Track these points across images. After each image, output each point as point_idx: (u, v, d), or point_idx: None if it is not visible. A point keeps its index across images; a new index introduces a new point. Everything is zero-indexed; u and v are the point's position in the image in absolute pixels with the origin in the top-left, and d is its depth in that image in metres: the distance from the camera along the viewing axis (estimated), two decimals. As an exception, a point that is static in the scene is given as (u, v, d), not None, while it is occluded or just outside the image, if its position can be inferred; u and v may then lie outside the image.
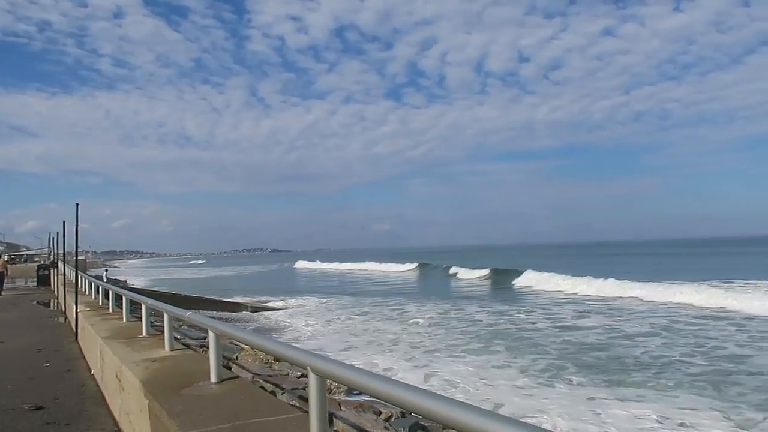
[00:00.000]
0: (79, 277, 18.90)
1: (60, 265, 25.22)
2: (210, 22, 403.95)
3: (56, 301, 21.98)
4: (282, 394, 6.13)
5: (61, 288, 20.13)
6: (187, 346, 7.55)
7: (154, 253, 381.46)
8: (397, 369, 12.92)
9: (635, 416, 9.31)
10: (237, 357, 8.97)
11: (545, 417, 9.14)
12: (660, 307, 24.50)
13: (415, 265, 68.85)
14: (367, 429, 6.21)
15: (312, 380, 3.01)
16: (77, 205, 12.03)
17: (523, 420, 2.07)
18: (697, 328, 18.56)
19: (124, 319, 9.99)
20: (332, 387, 7.85)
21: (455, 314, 23.09)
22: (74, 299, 12.50)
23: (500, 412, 9.05)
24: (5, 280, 33.58)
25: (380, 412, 7.33)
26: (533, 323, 20.41)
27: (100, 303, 13.70)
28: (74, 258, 17.40)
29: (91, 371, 8.76)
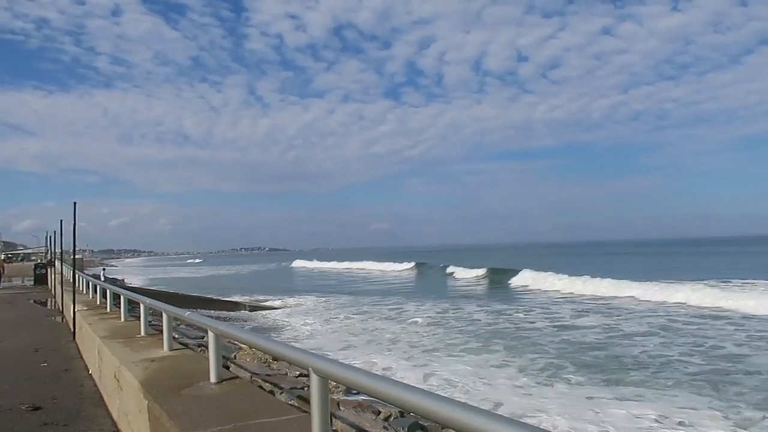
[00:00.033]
0: (77, 276, 18.84)
1: (57, 263, 25.15)
2: (208, 20, 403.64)
3: (53, 300, 21.90)
4: (281, 393, 6.10)
5: (58, 287, 20.07)
6: (185, 345, 7.51)
7: (151, 252, 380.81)
8: (396, 368, 12.91)
9: (634, 415, 9.32)
10: (235, 356, 8.94)
11: (545, 416, 9.14)
12: (657, 306, 24.55)
13: (412, 264, 68.93)
14: (367, 428, 6.19)
15: (314, 381, 2.98)
16: (75, 203, 11.98)
17: (522, 420, 2.06)
18: (695, 327, 18.59)
19: (122, 319, 9.94)
20: (331, 386, 7.82)
21: (453, 313, 23.09)
22: (72, 298, 12.44)
23: (499, 411, 9.06)
24: (2, 279, 33.50)
25: (379, 412, 7.31)
26: (531, 322, 20.42)
27: (98, 302, 13.64)
28: (71, 257, 17.33)
29: (89, 371, 8.72)
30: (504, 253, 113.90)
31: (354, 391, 6.83)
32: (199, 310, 17.58)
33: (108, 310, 11.75)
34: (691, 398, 10.34)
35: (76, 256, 14.43)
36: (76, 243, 12.85)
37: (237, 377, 5.36)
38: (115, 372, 6.15)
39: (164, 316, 6.60)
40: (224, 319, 17.45)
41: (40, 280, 32.42)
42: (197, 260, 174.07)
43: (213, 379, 4.84)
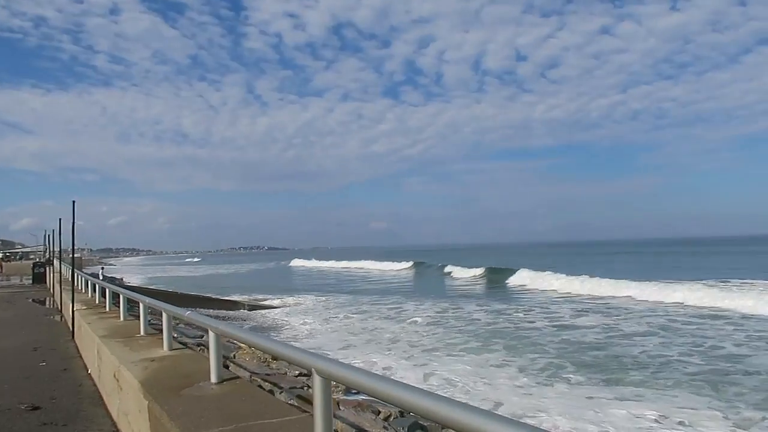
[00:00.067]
0: (76, 274, 18.79)
1: (56, 262, 25.10)
2: (207, 18, 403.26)
3: (52, 299, 21.86)
4: (280, 393, 6.07)
5: (57, 286, 20.03)
6: (185, 345, 7.48)
7: (150, 250, 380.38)
8: (396, 368, 12.90)
9: (634, 415, 9.31)
10: (234, 356, 8.91)
11: (545, 416, 9.13)
12: (655, 306, 24.55)
13: (410, 263, 69.01)
14: (366, 428, 6.16)
15: (317, 382, 2.96)
16: (74, 202, 11.94)
17: (522, 420, 2.06)
18: (694, 327, 18.61)
19: (122, 318, 9.91)
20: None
21: (453, 313, 23.08)
22: (70, 297, 12.39)
23: (500, 411, 9.05)
24: (0, 278, 33.42)
25: (379, 412, 7.29)
26: (531, 322, 20.42)
27: (97, 301, 13.61)
28: (70, 256, 17.29)
29: (88, 371, 8.68)
30: (503, 253, 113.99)
31: (354, 391, 6.81)
32: (198, 309, 17.52)
33: (107, 309, 11.72)
34: (691, 398, 10.34)
35: (75, 255, 14.38)
36: (75, 242, 12.81)
37: (237, 377, 5.33)
38: (115, 372, 6.12)
39: (164, 315, 6.57)
40: (223, 319, 17.43)
41: (39, 278, 32.37)
42: (196, 259, 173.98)
43: (214, 379, 4.82)
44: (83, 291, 16.63)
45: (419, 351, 15.27)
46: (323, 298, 31.12)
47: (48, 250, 35.24)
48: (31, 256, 62.15)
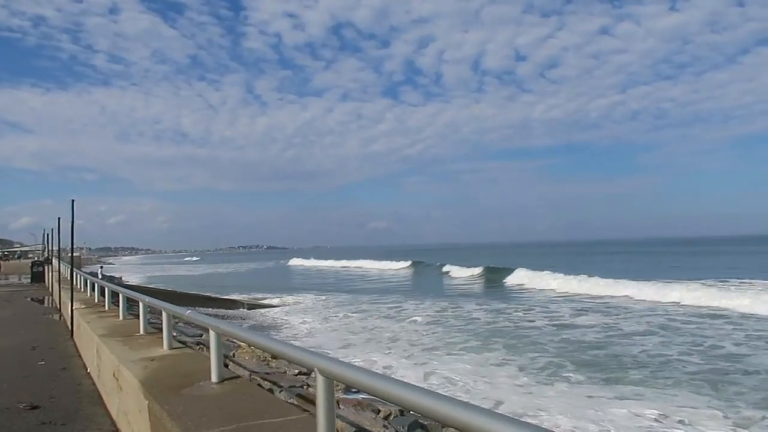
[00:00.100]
0: (75, 273, 18.73)
1: (55, 261, 25.04)
2: (206, 18, 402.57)
3: (51, 298, 21.80)
4: (280, 392, 6.05)
5: (55, 285, 19.98)
6: (184, 343, 7.45)
7: (149, 249, 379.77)
8: (396, 366, 12.88)
9: (635, 414, 9.30)
10: (234, 354, 8.88)
11: (546, 415, 9.12)
12: (654, 305, 24.58)
13: (409, 263, 69.03)
14: (366, 427, 6.14)
15: (319, 382, 2.93)
16: (73, 201, 11.90)
17: (523, 419, 2.06)
18: (693, 326, 18.62)
19: (121, 317, 9.88)
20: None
21: (452, 312, 23.08)
22: (69, 296, 12.36)
23: (500, 410, 9.03)
24: (-1, 277, 33.35)
25: (379, 410, 7.27)
26: (531, 321, 20.42)
27: (96, 300, 13.57)
28: (69, 255, 17.24)
29: (87, 370, 8.65)
30: (502, 252, 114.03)
31: (353, 390, 6.79)
32: (197, 308, 17.49)
33: (106, 308, 11.69)
34: (691, 397, 10.34)
35: (74, 254, 14.35)
36: (74, 241, 12.77)
37: (238, 376, 5.30)
38: (114, 371, 6.09)
39: (164, 314, 6.54)
40: (222, 318, 17.41)
41: (38, 277, 32.32)
42: (194, 258, 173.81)
43: (214, 378, 4.79)
44: (82, 290, 16.59)
45: (419, 350, 15.26)
46: (323, 297, 31.09)
47: (47, 249, 35.17)
48: (30, 255, 62.07)
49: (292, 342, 11.08)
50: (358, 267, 73.48)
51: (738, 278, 34.22)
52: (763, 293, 24.19)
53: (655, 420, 9.04)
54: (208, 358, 5.03)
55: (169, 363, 5.84)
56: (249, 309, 26.72)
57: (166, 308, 6.50)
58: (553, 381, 11.66)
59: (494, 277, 44.83)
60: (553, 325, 19.32)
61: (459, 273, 51.89)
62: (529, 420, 7.51)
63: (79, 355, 9.91)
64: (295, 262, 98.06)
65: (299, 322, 21.91)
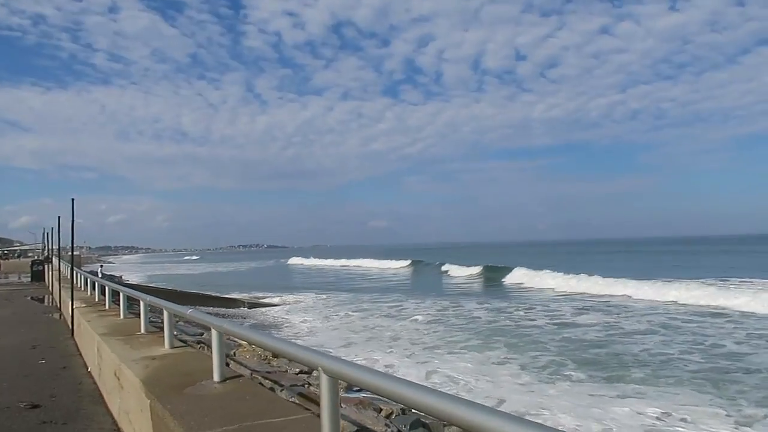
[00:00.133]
0: (75, 272, 18.69)
1: (55, 260, 25.01)
2: (206, 17, 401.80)
3: (51, 296, 21.78)
4: (281, 391, 6.02)
5: (56, 283, 19.95)
6: (185, 342, 7.43)
7: (149, 248, 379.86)
8: (398, 365, 12.86)
9: (637, 412, 9.29)
10: (235, 353, 8.86)
11: (548, 413, 9.10)
12: (654, 304, 24.57)
13: (408, 262, 69.09)
14: (369, 426, 6.12)
15: (324, 381, 2.91)
16: (73, 200, 11.87)
17: (525, 417, 2.05)
18: (694, 325, 18.60)
19: (122, 316, 9.85)
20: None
21: (453, 311, 23.07)
22: (70, 295, 12.33)
23: (502, 408, 9.01)
24: (-1, 276, 33.34)
25: (380, 409, 7.25)
26: (532, 320, 20.41)
27: (96, 299, 13.55)
28: (69, 253, 17.22)
29: (87, 369, 8.62)
30: (501, 251, 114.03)
31: (355, 388, 6.76)
32: (197, 307, 17.47)
33: (107, 307, 11.66)
34: (693, 396, 10.33)
35: (74, 253, 14.32)
36: (74, 239, 12.74)
37: (240, 375, 5.27)
38: (116, 370, 6.06)
39: (165, 313, 6.51)
40: (223, 317, 17.38)
41: (37, 276, 32.31)
42: (194, 257, 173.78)
43: (216, 377, 4.76)
44: (82, 289, 16.56)
45: (421, 349, 15.24)
46: (323, 296, 31.08)
47: (47, 248, 35.15)
48: (30, 254, 62.06)
49: (294, 341, 11.05)
50: (357, 266, 73.49)
51: (738, 277, 34.22)
52: (763, 292, 24.18)
53: (658, 418, 9.02)
54: (210, 357, 5.00)
55: (170, 362, 5.81)
56: (249, 308, 26.70)
57: (167, 307, 6.47)
58: (554, 379, 11.65)
59: (493, 276, 44.90)
60: (554, 324, 19.31)
61: (458, 272, 51.96)
62: (531, 419, 7.50)
63: (80, 354, 9.89)
64: (294, 260, 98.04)
65: (300, 320, 21.89)
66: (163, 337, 6.69)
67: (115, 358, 6.17)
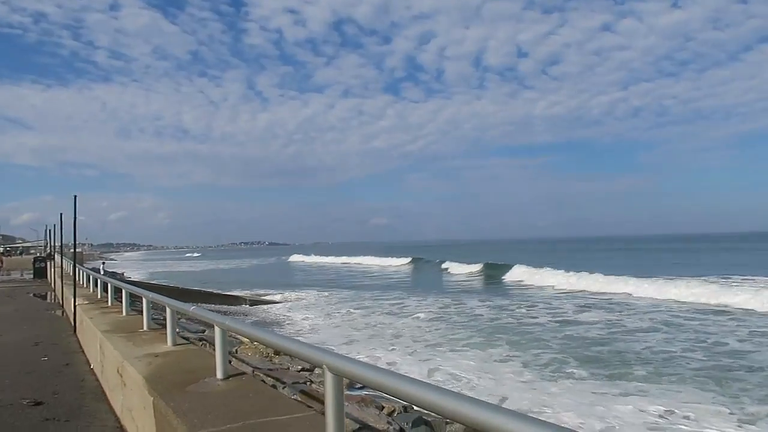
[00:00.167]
0: (77, 269, 18.69)
1: (57, 257, 25.04)
2: (207, 14, 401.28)
3: (53, 293, 21.80)
4: (283, 388, 6.01)
5: (58, 280, 19.97)
6: (187, 339, 7.42)
7: (150, 245, 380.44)
8: (400, 363, 12.85)
9: (640, 410, 9.27)
10: (236, 350, 8.86)
11: (550, 411, 9.09)
12: (656, 302, 24.54)
13: (409, 259, 69.17)
14: (371, 424, 6.11)
15: (328, 379, 2.89)
16: (75, 197, 11.85)
17: (528, 414, 2.05)
18: (697, 323, 18.57)
19: (124, 313, 9.84)
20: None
21: (455, 308, 23.06)
22: (72, 292, 12.33)
23: (504, 406, 8.99)
24: (1, 272, 33.39)
25: (383, 407, 7.24)
26: (534, 318, 20.39)
27: (99, 296, 13.55)
28: (71, 250, 17.22)
29: (90, 365, 8.62)
30: (502, 249, 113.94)
31: (357, 386, 6.75)
32: (199, 304, 17.46)
33: (109, 304, 11.65)
34: (696, 393, 10.31)
35: (76, 250, 14.32)
36: (76, 237, 12.74)
37: (243, 373, 5.26)
38: (118, 367, 6.05)
39: (168, 310, 6.49)
40: (225, 314, 17.36)
41: (40, 273, 32.33)
42: (195, 254, 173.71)
43: (219, 375, 4.74)
44: (84, 286, 16.57)
45: (423, 346, 15.23)
46: (325, 294, 31.08)
47: (49, 245, 35.19)
48: (32, 251, 62.18)
49: (298, 338, 11.04)
50: (358, 263, 73.52)
51: (740, 275, 34.15)
52: (765, 290, 24.13)
53: (661, 416, 9.00)
54: (212, 355, 4.99)
55: (173, 359, 5.80)
56: (251, 305, 26.72)
57: (170, 304, 6.45)
58: (557, 377, 11.63)
59: (493, 273, 44.92)
60: (556, 322, 19.29)
61: (458, 269, 52.01)
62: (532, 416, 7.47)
63: (82, 351, 9.88)
64: (295, 258, 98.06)
65: (302, 318, 21.89)
66: (166, 334, 6.67)
67: (118, 355, 6.16)
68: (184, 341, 7.06)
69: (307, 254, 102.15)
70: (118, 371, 6.08)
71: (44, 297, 21.56)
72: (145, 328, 7.98)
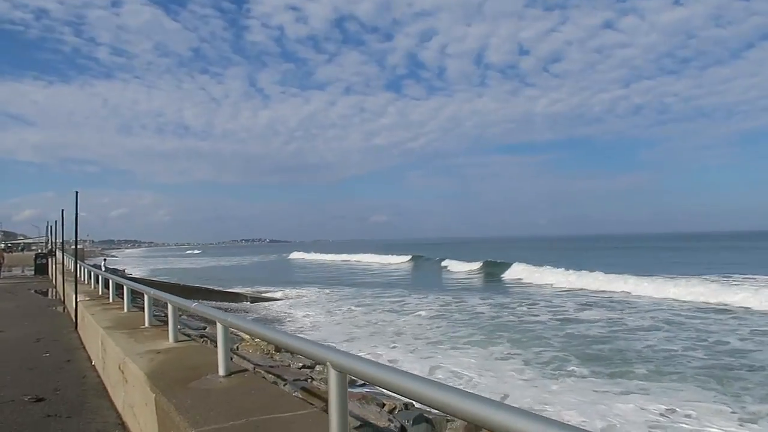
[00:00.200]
0: (78, 266, 18.73)
1: (58, 253, 25.04)
2: (209, 11, 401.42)
3: (54, 290, 21.82)
4: (284, 385, 6.00)
5: (59, 277, 19.98)
6: (188, 336, 7.41)
7: (151, 242, 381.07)
8: (402, 360, 12.84)
9: (641, 408, 9.26)
10: (237, 347, 8.86)
11: (551, 409, 9.08)
12: (657, 300, 24.52)
13: (409, 257, 69.19)
14: (372, 421, 6.11)
15: (332, 376, 2.87)
16: (77, 193, 11.84)
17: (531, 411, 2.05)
18: (698, 321, 18.55)
19: (125, 309, 9.84)
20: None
21: (456, 306, 23.06)
22: (74, 288, 12.34)
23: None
24: (2, 269, 33.41)
25: (384, 404, 7.23)
26: (535, 315, 20.38)
27: (100, 292, 13.55)
28: (72, 247, 17.22)
29: (92, 362, 8.62)
30: (502, 246, 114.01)
31: (359, 383, 6.73)
32: (201, 300, 17.50)
33: (110, 300, 11.66)
34: (697, 392, 10.30)
35: (78, 246, 14.31)
36: (78, 233, 12.73)
37: (245, 370, 5.24)
38: (120, 363, 6.05)
39: (169, 307, 6.49)
40: (226, 311, 17.37)
41: (41, 269, 32.36)
42: (196, 251, 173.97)
43: (221, 371, 4.74)
44: (86, 282, 16.59)
45: (424, 344, 15.23)
46: (326, 291, 31.11)
47: (50, 241, 35.20)
48: (33, 248, 62.25)
49: (301, 336, 11.05)
50: (359, 261, 73.57)
51: (741, 273, 34.11)
52: (765, 288, 24.10)
53: (662, 415, 8.99)
54: (214, 351, 4.98)
55: (175, 356, 5.79)
56: (252, 302, 26.73)
57: (171, 301, 6.45)
58: (558, 375, 11.63)
59: (493, 271, 44.92)
60: (557, 320, 19.28)
61: (458, 267, 52.02)
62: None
63: (84, 348, 9.88)
64: (296, 255, 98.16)
65: (303, 315, 21.91)
66: (167, 330, 6.67)
67: (120, 352, 6.16)
68: (186, 338, 7.05)
69: (308, 251, 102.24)
70: (119, 368, 6.08)
71: (45, 293, 21.59)
72: (146, 324, 7.98)
